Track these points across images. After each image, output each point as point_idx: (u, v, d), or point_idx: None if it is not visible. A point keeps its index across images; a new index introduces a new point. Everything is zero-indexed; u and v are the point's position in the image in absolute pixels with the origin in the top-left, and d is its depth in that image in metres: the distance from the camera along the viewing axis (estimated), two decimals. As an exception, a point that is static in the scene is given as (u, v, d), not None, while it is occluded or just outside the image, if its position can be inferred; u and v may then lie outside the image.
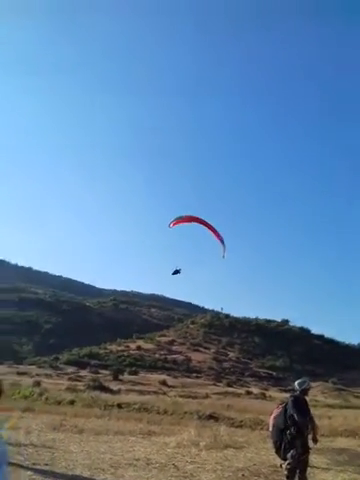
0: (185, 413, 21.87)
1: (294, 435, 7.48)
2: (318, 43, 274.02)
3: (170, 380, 68.29)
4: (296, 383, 8.02)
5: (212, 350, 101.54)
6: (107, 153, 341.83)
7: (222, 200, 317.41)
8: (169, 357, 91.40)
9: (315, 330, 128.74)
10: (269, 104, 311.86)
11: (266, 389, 70.29)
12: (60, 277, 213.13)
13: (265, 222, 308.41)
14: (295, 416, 7.52)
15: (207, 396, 47.52)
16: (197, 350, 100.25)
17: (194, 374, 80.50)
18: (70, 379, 59.10)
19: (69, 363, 78.98)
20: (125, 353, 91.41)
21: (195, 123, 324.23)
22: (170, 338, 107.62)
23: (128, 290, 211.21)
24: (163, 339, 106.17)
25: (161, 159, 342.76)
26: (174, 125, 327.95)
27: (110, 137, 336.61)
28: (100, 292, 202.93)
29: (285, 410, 7.74)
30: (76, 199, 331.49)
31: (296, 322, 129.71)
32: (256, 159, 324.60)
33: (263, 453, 11.83)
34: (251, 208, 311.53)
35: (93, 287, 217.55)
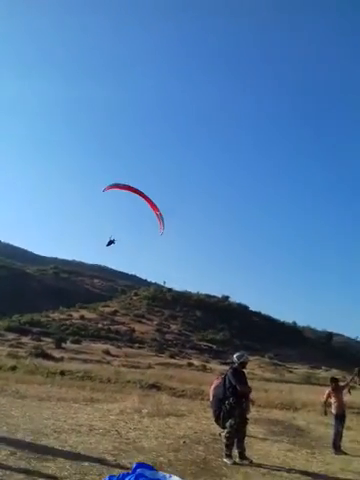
0: (128, 382, 22.11)
1: (233, 405, 7.84)
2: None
3: (113, 350, 68.56)
4: (235, 356, 8.40)
5: (155, 322, 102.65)
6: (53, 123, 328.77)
7: (167, 170, 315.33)
8: (112, 327, 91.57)
9: (253, 307, 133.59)
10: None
11: (207, 361, 72.14)
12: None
13: (208, 196, 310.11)
14: (237, 386, 7.82)
15: (150, 366, 48.05)
16: (140, 321, 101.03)
17: (137, 345, 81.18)
18: (11, 346, 57.79)
19: (10, 329, 77.07)
20: (68, 322, 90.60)
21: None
22: (113, 309, 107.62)
23: (70, 259, 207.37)
24: (106, 309, 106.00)
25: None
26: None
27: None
28: (41, 259, 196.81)
29: (224, 381, 8.10)
30: (15, 162, 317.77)
31: (236, 298, 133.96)
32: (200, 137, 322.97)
33: (204, 422, 12.17)
34: (193, 180, 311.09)
35: (33, 254, 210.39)
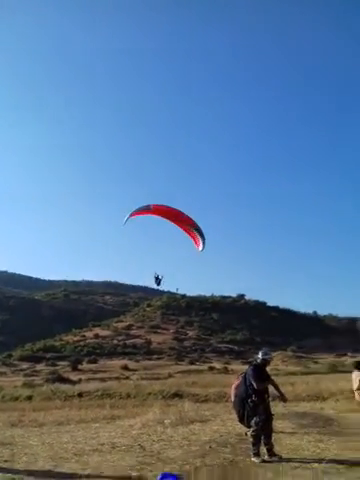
0: (149, 394, 21.81)
1: (256, 402, 7.66)
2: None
3: (131, 364, 68.33)
4: (259, 353, 8.22)
5: (171, 330, 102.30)
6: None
7: (175, 173, 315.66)
8: (128, 342, 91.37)
9: (270, 302, 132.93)
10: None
11: (228, 363, 71.83)
12: (5, 272, 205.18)
13: (211, 196, 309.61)
14: (253, 383, 7.59)
15: (170, 376, 47.92)
16: (156, 332, 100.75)
17: (155, 356, 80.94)
18: (26, 375, 57.77)
19: (23, 359, 77.12)
20: (82, 342, 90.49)
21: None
22: (127, 323, 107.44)
23: (79, 280, 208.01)
24: (120, 325, 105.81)
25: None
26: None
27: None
28: (49, 284, 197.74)
29: (245, 379, 7.92)
30: (13, 188, 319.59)
31: (251, 296, 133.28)
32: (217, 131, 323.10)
33: (229, 424, 11.86)
34: (199, 181, 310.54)
35: (41, 280, 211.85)
